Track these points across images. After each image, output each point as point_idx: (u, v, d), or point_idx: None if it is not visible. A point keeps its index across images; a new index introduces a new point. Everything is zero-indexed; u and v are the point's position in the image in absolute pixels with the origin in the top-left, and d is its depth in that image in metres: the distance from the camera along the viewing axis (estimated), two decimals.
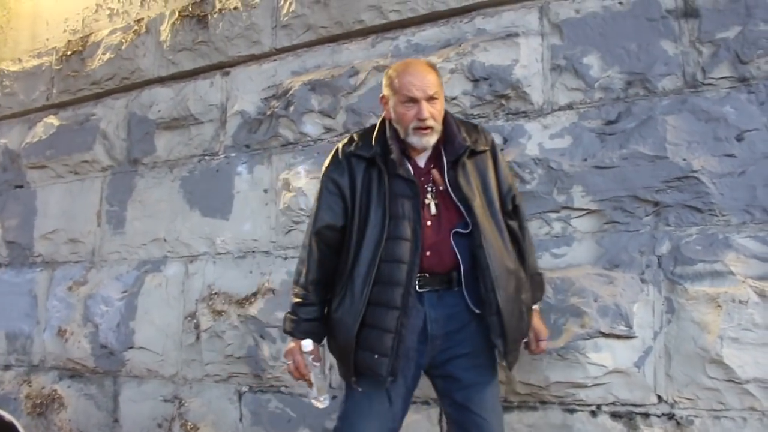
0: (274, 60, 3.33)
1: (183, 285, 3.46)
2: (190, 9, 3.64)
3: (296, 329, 2.08)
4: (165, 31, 3.71)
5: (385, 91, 2.11)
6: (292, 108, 3.18)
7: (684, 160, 2.39)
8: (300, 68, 3.23)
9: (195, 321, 3.36)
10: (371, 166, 2.06)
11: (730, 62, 2.40)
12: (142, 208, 3.70)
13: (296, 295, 2.11)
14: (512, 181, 2.23)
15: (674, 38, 2.49)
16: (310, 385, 2.08)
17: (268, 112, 3.27)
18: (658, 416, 2.36)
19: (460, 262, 2.01)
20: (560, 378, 2.46)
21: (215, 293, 3.32)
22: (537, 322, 2.19)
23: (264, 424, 3.10)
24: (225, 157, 3.43)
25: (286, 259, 3.14)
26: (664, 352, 2.36)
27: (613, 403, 2.42)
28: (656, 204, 2.43)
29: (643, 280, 2.40)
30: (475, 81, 2.74)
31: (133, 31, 3.87)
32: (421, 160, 2.11)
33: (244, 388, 3.21)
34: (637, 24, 2.54)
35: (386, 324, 1.96)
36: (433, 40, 2.90)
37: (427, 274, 2.01)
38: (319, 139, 3.13)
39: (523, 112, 2.69)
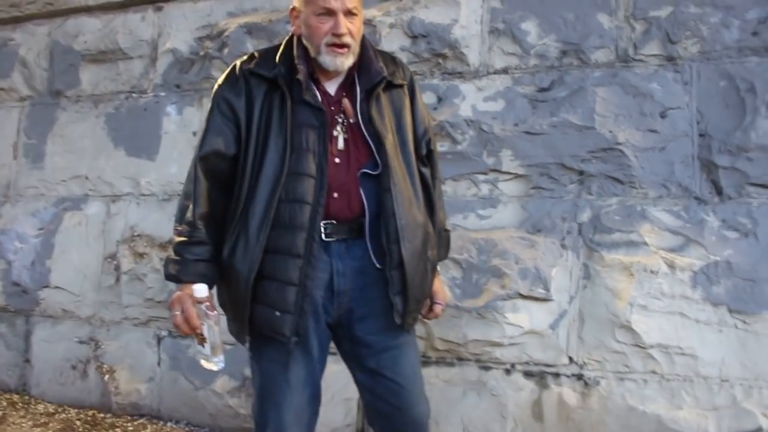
0: None
1: (104, 225, 3.36)
2: None
3: (183, 271, 1.73)
4: None
5: (296, 2, 1.82)
6: (226, 50, 3.08)
7: (610, 132, 2.46)
8: (237, 9, 3.13)
9: (115, 262, 3.28)
10: (273, 89, 1.77)
11: (660, 41, 2.46)
12: (63, 143, 3.54)
13: (180, 234, 1.76)
14: (429, 124, 1.99)
15: (610, 12, 2.53)
16: (202, 341, 1.73)
17: (202, 53, 3.17)
18: (568, 376, 2.48)
19: (365, 208, 1.77)
20: (478, 336, 2.53)
21: (137, 235, 3.24)
22: (437, 283, 1.98)
23: (182, 369, 3.09)
24: (154, 95, 3.31)
25: None
26: (578, 316, 2.46)
27: (526, 363, 2.52)
28: (581, 173, 2.50)
29: (563, 246, 2.48)
30: (414, 38, 2.73)
31: None
32: (332, 87, 1.83)
33: (164, 333, 3.17)
34: None
35: (288, 275, 1.70)
36: None
37: (333, 221, 1.76)
38: None
39: (459, 73, 2.70)
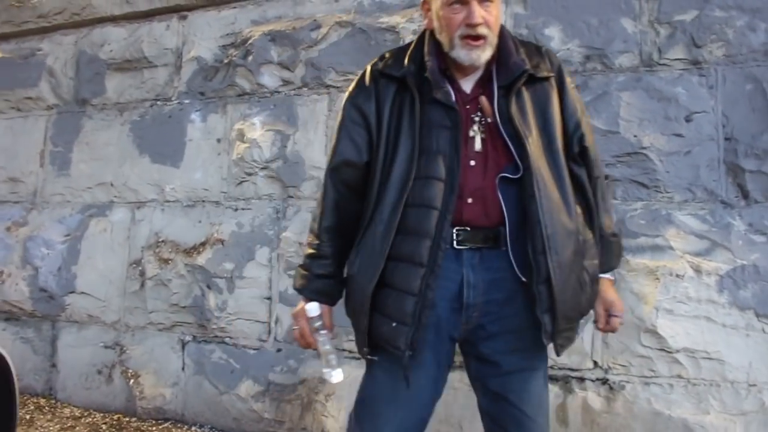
0: (234, 7, 3.25)
1: (129, 231, 3.40)
2: None
3: (306, 287, 1.71)
4: None
5: None
6: (250, 58, 3.12)
7: (635, 136, 2.46)
8: (260, 18, 3.17)
9: (140, 268, 3.32)
10: (403, 89, 1.65)
11: (685, 45, 2.47)
12: (88, 150, 3.60)
13: (309, 245, 1.74)
14: (582, 117, 1.75)
15: (634, 16, 2.54)
16: (320, 355, 1.72)
17: (226, 61, 3.21)
18: (593, 381, 2.47)
19: (505, 216, 1.59)
20: None
21: (162, 241, 3.28)
22: (610, 293, 1.76)
23: (206, 374, 3.11)
24: (178, 103, 3.35)
25: (236, 210, 3.12)
26: None
27: (551, 367, 2.48)
28: (606, 177, 2.48)
29: None
30: None
31: None
32: (468, 84, 1.67)
33: (188, 338, 3.20)
34: (599, 0, 2.58)
35: (409, 284, 1.56)
36: None
37: (468, 228, 1.60)
38: (276, 92, 3.09)
39: None
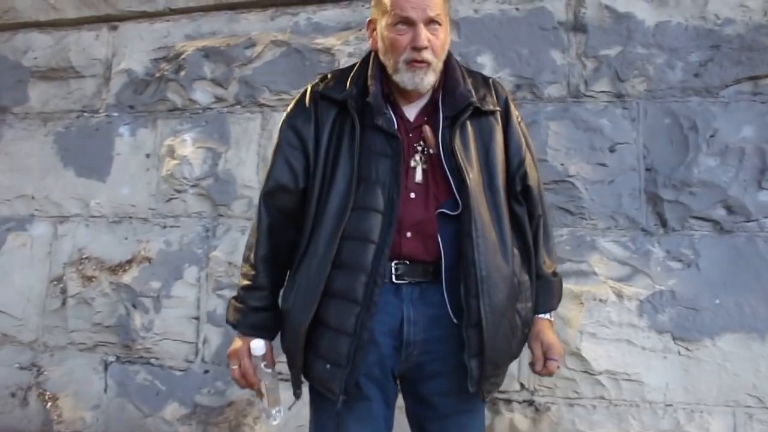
0: (168, 20, 3.18)
1: (50, 246, 3.26)
2: None
3: (243, 322, 1.61)
4: None
5: (373, 12, 1.62)
6: (183, 73, 3.06)
7: (562, 164, 2.54)
8: (194, 32, 3.11)
9: (61, 285, 3.19)
10: (344, 113, 1.57)
11: (610, 78, 2.57)
12: (8, 160, 3.43)
13: (244, 276, 1.64)
14: (527, 154, 1.70)
15: (563, 49, 2.63)
16: (261, 395, 1.62)
17: (157, 74, 3.13)
18: (520, 402, 2.53)
19: (442, 253, 1.54)
20: None
21: (86, 258, 3.17)
22: (548, 335, 1.68)
23: (130, 395, 3.01)
24: (106, 116, 3.25)
25: (164, 227, 3.04)
26: None
27: None
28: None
29: None
30: None
31: None
32: (411, 111, 1.62)
33: (111, 358, 3.09)
34: (530, 31, 2.66)
35: (343, 323, 1.49)
36: (333, 20, 2.89)
37: (407, 261, 1.54)
38: (208, 108, 3.04)
39: None
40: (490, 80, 1.73)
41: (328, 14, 2.91)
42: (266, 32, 2.97)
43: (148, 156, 3.13)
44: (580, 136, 2.55)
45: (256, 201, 2.80)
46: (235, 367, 1.62)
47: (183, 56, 3.07)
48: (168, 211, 3.05)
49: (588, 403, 2.47)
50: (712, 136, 2.47)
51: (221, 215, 2.95)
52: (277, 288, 1.66)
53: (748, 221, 2.42)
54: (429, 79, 1.55)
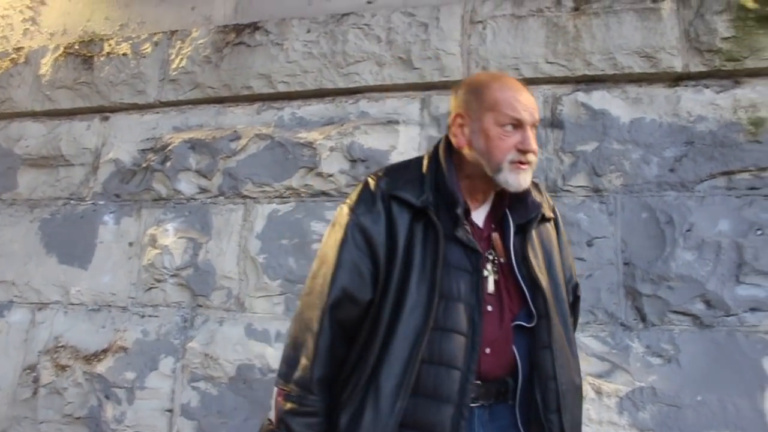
0: (157, 112, 3.27)
1: (27, 334, 3.22)
2: (76, 47, 3.53)
3: None
4: (46, 65, 3.57)
5: (462, 108, 1.50)
6: (168, 163, 3.11)
7: None
8: (182, 124, 3.19)
9: (35, 374, 3.13)
10: (417, 219, 1.44)
11: (587, 173, 2.61)
12: None
13: (289, 399, 1.40)
14: (573, 263, 1.68)
15: (541, 145, 2.67)
16: None
17: (144, 164, 3.19)
18: None
19: (519, 367, 1.43)
20: None
21: (62, 346, 3.12)
22: None
23: None
24: (92, 203, 3.29)
25: (143, 317, 3.01)
26: None
27: None
28: None
29: None
30: (353, 161, 2.82)
31: (10, 59, 3.69)
32: (479, 217, 1.53)
33: None
34: None
35: None
36: (317, 115, 2.97)
37: (481, 382, 1.42)
38: (192, 198, 3.08)
39: None
40: (539, 184, 1.68)
41: (312, 109, 2.99)
42: (251, 126, 3.05)
43: (131, 244, 3.14)
44: None
45: (235, 292, 2.84)
46: None
47: (170, 147, 3.13)
48: (147, 300, 3.03)
49: None
50: (688, 230, 2.48)
51: (200, 305, 2.93)
52: (330, 415, 1.43)
53: (727, 315, 2.40)
54: (529, 180, 1.50)
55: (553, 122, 2.69)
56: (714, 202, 2.50)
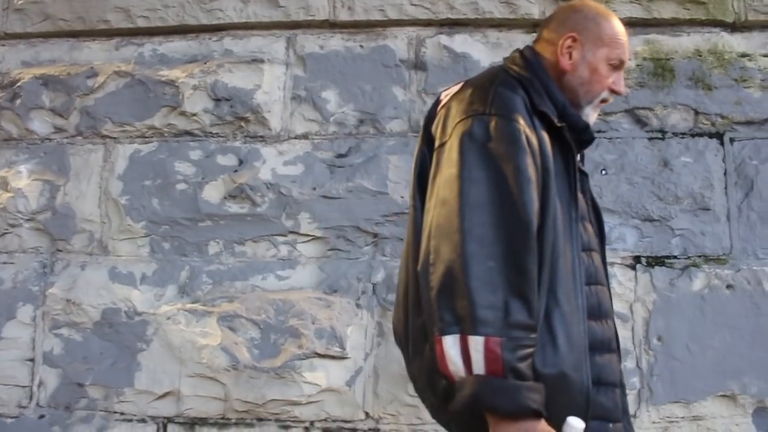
0: (3, 45, 3.03)
1: None
2: None
3: (542, 402, 1.20)
4: None
5: (578, 32, 1.46)
6: (19, 101, 2.91)
7: (402, 197, 2.63)
8: (32, 59, 2.99)
9: None
10: (553, 138, 1.37)
11: None
12: None
13: (513, 344, 1.19)
14: None
15: (404, 86, 2.74)
16: None
17: None
18: (365, 431, 2.55)
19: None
20: (276, 396, 2.55)
21: None
22: None
23: None
24: None
25: None
26: (373, 372, 2.56)
27: (325, 420, 2.57)
28: (375, 235, 2.64)
29: (358, 305, 2.59)
30: (217, 100, 2.76)
31: None
32: None
33: None
34: (373, 68, 2.75)
35: (613, 374, 1.37)
36: (179, 52, 2.87)
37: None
38: (47, 139, 2.91)
39: (261, 137, 2.76)
40: None
41: (174, 46, 2.88)
42: (109, 62, 2.90)
43: None
44: None
45: (98, 236, 2.76)
46: None
47: (19, 84, 2.92)
48: (1, 247, 2.88)
49: (431, 429, 2.53)
50: None
51: (60, 250, 2.81)
52: None
53: None
54: None
55: (417, 64, 2.75)
56: None
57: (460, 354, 1.18)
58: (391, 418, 2.55)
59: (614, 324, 1.46)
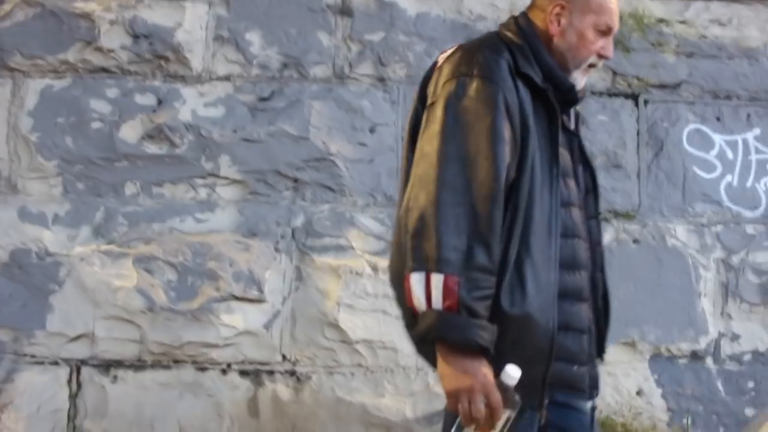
0: None
1: None
2: None
3: (491, 340, 1.28)
4: None
5: (569, 2, 1.52)
6: None
7: (323, 143, 2.64)
8: None
9: None
10: (537, 98, 1.45)
11: (373, 62, 2.71)
12: None
13: (471, 284, 1.27)
14: None
15: (330, 31, 2.72)
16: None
17: None
18: (282, 373, 2.60)
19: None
20: (193, 338, 2.55)
21: None
22: None
23: None
24: None
25: None
26: (290, 316, 2.60)
27: (242, 362, 2.60)
28: (295, 180, 2.65)
29: (277, 249, 2.61)
30: (136, 37, 2.68)
31: None
32: None
33: None
34: (299, 11, 2.72)
35: (581, 321, 1.45)
36: None
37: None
38: None
39: (181, 77, 2.70)
40: None
41: None
42: None
43: None
44: (342, 116, 2.66)
45: (6, 174, 2.66)
46: (482, 401, 1.25)
47: None
48: None
49: (347, 371, 2.60)
50: None
51: None
52: None
53: None
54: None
55: (343, 9, 2.73)
56: None
57: (424, 290, 1.28)
58: (308, 361, 2.60)
59: (593, 276, 1.56)
